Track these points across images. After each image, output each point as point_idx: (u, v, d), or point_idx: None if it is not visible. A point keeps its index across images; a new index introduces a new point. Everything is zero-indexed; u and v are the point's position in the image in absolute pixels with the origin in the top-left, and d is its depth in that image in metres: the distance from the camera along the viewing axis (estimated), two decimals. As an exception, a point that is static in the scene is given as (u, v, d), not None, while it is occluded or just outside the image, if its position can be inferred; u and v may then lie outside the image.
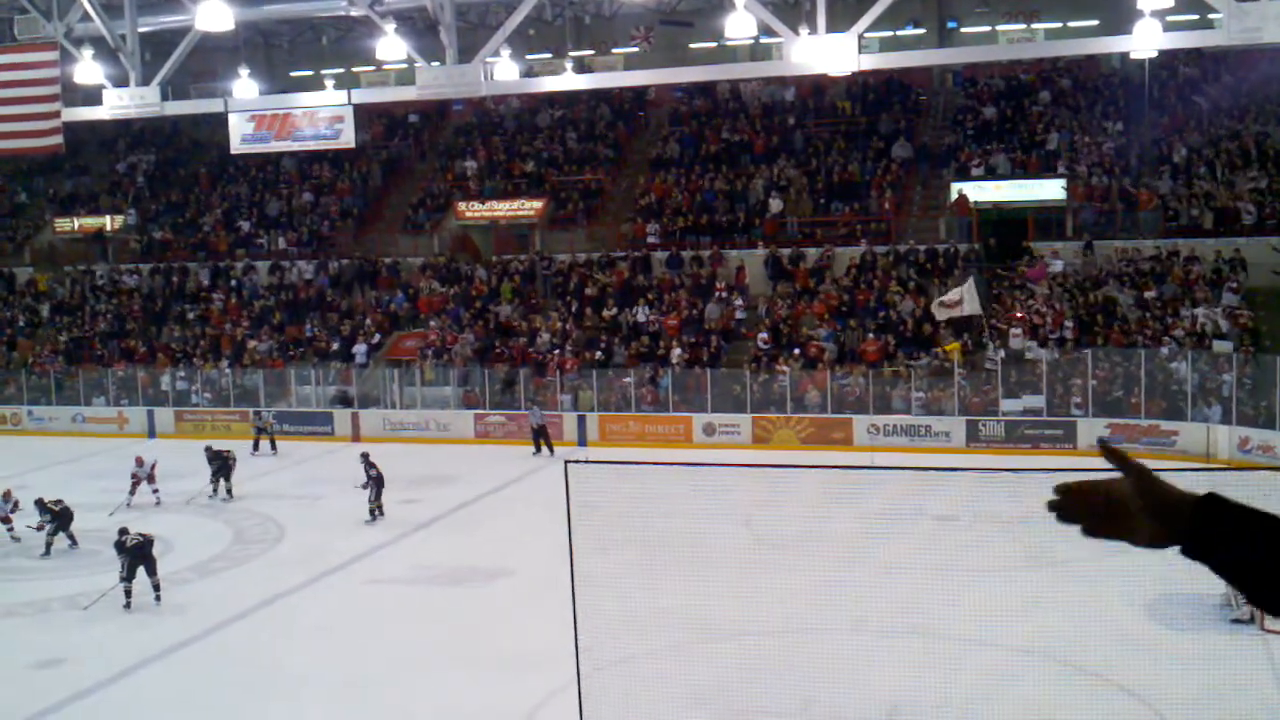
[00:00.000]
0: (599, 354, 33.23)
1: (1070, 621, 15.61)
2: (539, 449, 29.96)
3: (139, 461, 25.62)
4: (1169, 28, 23.44)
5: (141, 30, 27.15)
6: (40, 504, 22.11)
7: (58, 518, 22.09)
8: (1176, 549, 2.04)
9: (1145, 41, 23.26)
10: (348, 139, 28.97)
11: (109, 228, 43.73)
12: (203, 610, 18.64)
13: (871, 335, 31.35)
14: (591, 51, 41.43)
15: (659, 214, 37.56)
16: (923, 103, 39.17)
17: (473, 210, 39.79)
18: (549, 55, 41.00)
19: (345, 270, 39.48)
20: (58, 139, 24.13)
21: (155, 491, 25.41)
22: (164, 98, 28.34)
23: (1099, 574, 16.67)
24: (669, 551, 16.28)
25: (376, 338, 36.42)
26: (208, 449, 27.01)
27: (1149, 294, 30.30)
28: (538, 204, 39.08)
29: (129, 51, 28.42)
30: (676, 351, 32.51)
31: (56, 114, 23.82)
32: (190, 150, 46.25)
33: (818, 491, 19.09)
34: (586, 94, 40.56)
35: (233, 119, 29.47)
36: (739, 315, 33.73)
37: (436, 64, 27.13)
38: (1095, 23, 37.44)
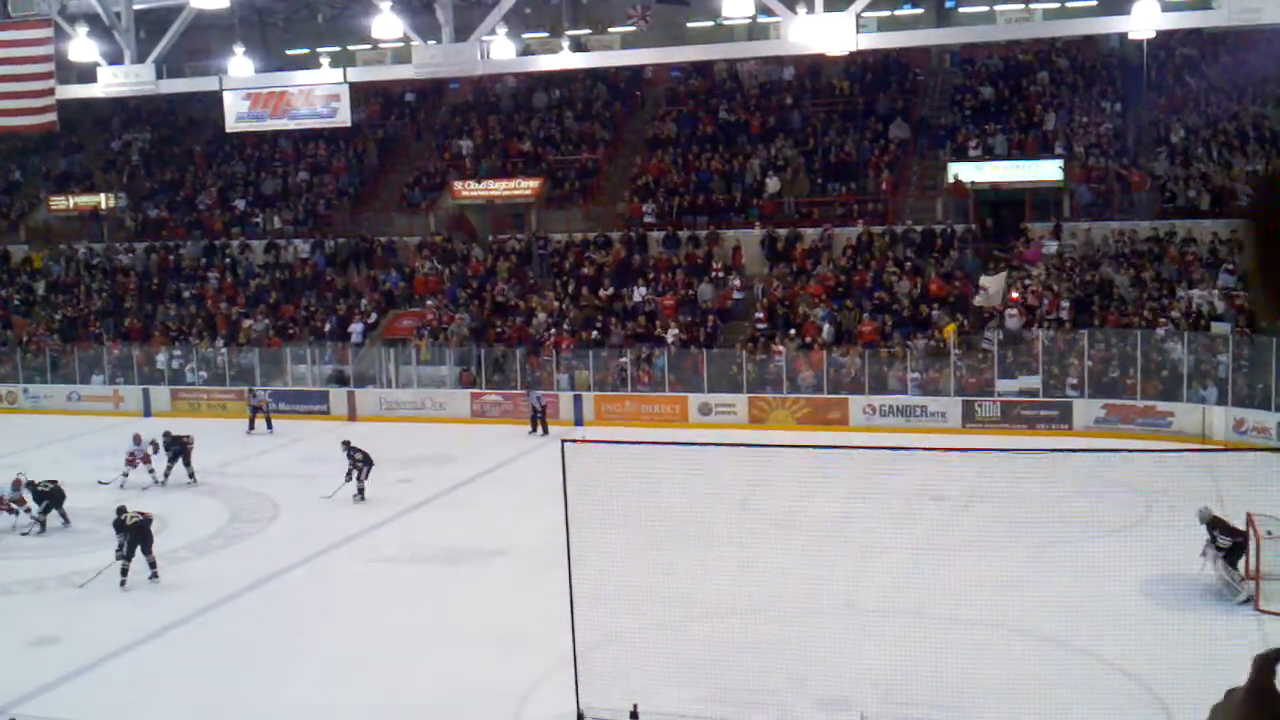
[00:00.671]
0: (595, 334, 33.23)
1: (1062, 600, 15.68)
2: (535, 428, 30.00)
3: (136, 439, 25.40)
4: (1168, 8, 23.34)
5: (136, 8, 27.08)
6: (31, 486, 22.09)
7: (49, 497, 22.08)
8: None
9: (1144, 22, 23.20)
10: (343, 118, 28.92)
11: (104, 206, 43.61)
12: (199, 588, 18.66)
13: (868, 316, 31.35)
14: (588, 30, 41.26)
15: (655, 194, 37.50)
16: (920, 83, 39.07)
17: (469, 189, 39.72)
18: (545, 34, 40.84)
19: (341, 249, 39.41)
20: (52, 116, 24.09)
21: (151, 472, 25.28)
22: (159, 76, 28.27)
23: (1092, 553, 16.76)
24: (664, 530, 16.34)
25: (373, 317, 36.39)
26: (165, 433, 26.01)
27: (1146, 275, 30.32)
28: (534, 183, 39.01)
29: (124, 29, 28.31)
30: (673, 331, 32.52)
31: (51, 91, 23.76)
32: (185, 128, 46.08)
33: (813, 471, 19.13)
34: (583, 73, 40.44)
35: (228, 97, 29.38)
36: (735, 296, 33.73)
37: (433, 42, 27.05)
38: (1094, 3, 37.37)
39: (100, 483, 24.39)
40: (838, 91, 39.14)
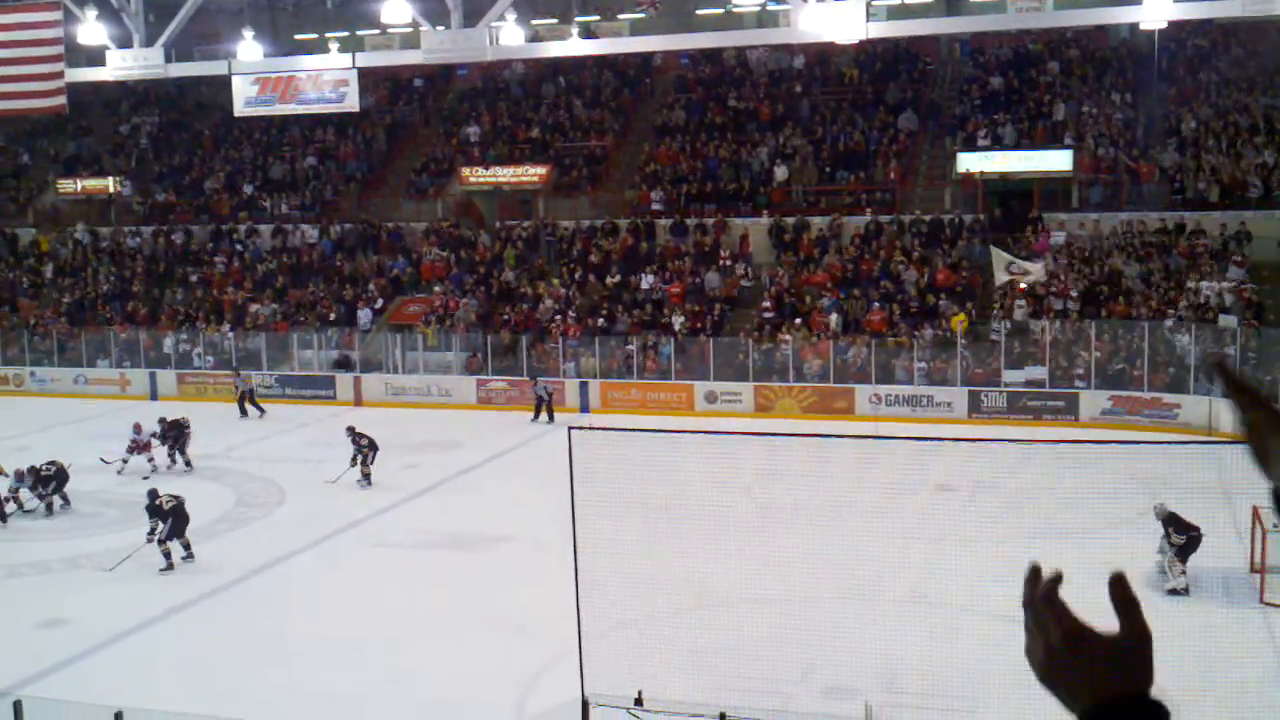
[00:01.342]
0: (602, 321, 33.22)
1: (1069, 590, 15.64)
2: (538, 416, 29.99)
3: (137, 428, 25.24)
4: (1180, -2, 23.23)
5: (145, -10, 27.04)
6: (33, 471, 22.09)
7: (53, 479, 22.10)
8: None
9: (1156, 12, 23.12)
10: (352, 103, 28.90)
11: (111, 190, 43.61)
12: (204, 572, 18.69)
13: (876, 305, 31.30)
14: (597, 17, 41.15)
15: (663, 181, 37.44)
16: (930, 72, 38.96)
17: (477, 176, 39.65)
18: (555, 20, 40.76)
19: (348, 235, 39.41)
20: (61, 99, 24.08)
21: (151, 460, 25.16)
22: (168, 59, 28.28)
23: (1097, 545, 16.74)
24: (670, 518, 16.32)
25: (379, 302, 36.40)
26: (161, 420, 25.84)
27: (1154, 267, 30.24)
28: (542, 170, 38.93)
29: (133, 12, 28.31)
30: (679, 319, 32.50)
31: (60, 74, 23.74)
32: (194, 112, 46.07)
33: (818, 460, 19.13)
34: (592, 60, 40.35)
35: (236, 81, 29.37)
36: (744, 284, 33.70)
37: (442, 28, 27.01)
38: (1105, -8, 37.14)
39: (102, 460, 24.24)
40: (847, 80, 39.03)
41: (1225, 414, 26.07)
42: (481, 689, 13.93)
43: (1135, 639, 1.58)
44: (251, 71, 29.56)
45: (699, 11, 41.47)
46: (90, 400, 34.39)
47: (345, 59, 29.84)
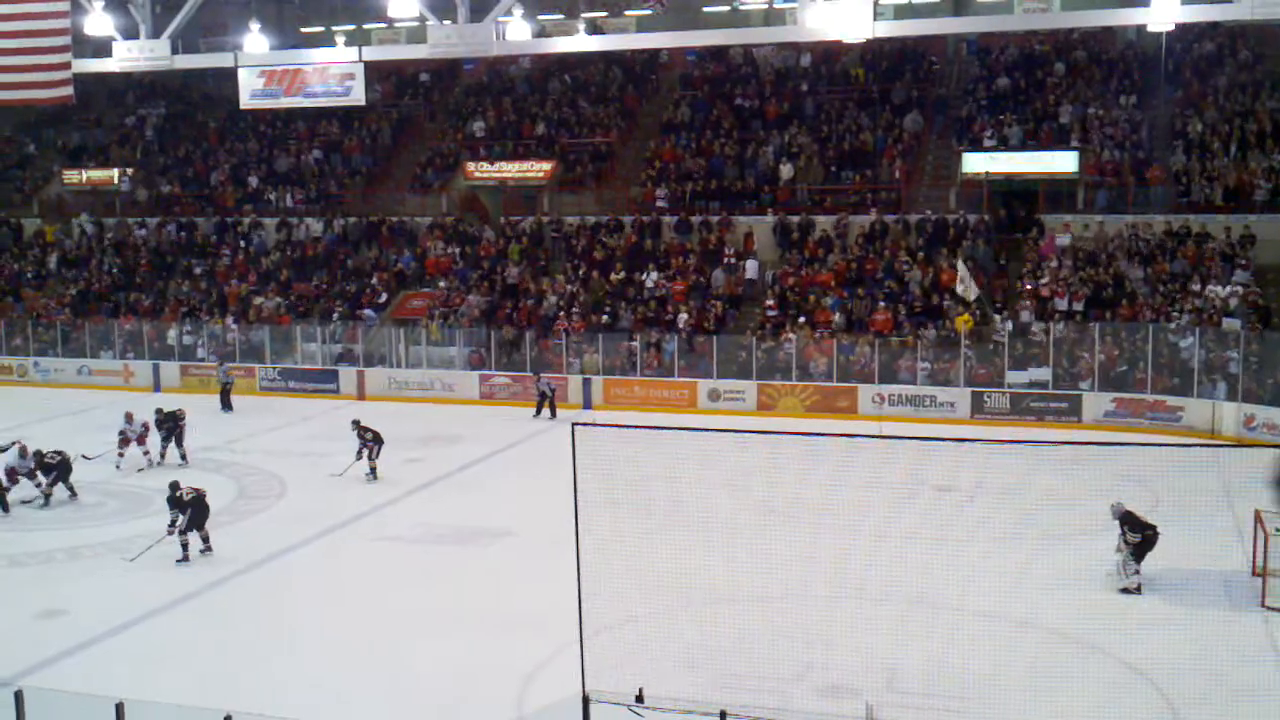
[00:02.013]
0: (605, 317, 33.24)
1: (1067, 593, 15.67)
2: (540, 411, 30.00)
3: (128, 418, 25.10)
4: (1187, 1, 23.18)
5: (153, -18, 27.05)
6: (39, 456, 22.11)
7: (56, 469, 22.12)
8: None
9: (1163, 14, 23.08)
10: (358, 96, 28.93)
11: (116, 181, 43.64)
12: (206, 564, 18.69)
13: (881, 304, 31.29)
14: (604, 13, 41.10)
15: (669, 179, 37.43)
16: (936, 72, 38.92)
17: (482, 171, 39.65)
18: (561, 16, 40.72)
19: (353, 229, 39.43)
20: (67, 90, 24.04)
21: (146, 453, 25.10)
22: (174, 51, 28.33)
23: (1098, 547, 16.75)
24: (672, 515, 16.33)
25: (384, 297, 36.43)
26: (158, 411, 25.73)
27: (1159, 270, 30.21)
28: (547, 166, 38.93)
29: (139, 4, 28.34)
30: (683, 317, 32.50)
31: (67, 65, 23.70)
32: (200, 104, 46.09)
33: (820, 459, 19.10)
34: (598, 56, 40.35)
35: (242, 74, 29.39)
36: (749, 278, 33.70)
37: (448, 22, 27.02)
38: (1112, -6, 37.07)
39: (84, 457, 23.88)
40: (853, 79, 39.00)
41: (1228, 417, 26.11)
42: (482, 683, 13.94)
43: None
44: (258, 64, 29.58)
45: (706, 9, 41.42)
46: (93, 391, 34.46)
47: (351, 52, 29.84)
